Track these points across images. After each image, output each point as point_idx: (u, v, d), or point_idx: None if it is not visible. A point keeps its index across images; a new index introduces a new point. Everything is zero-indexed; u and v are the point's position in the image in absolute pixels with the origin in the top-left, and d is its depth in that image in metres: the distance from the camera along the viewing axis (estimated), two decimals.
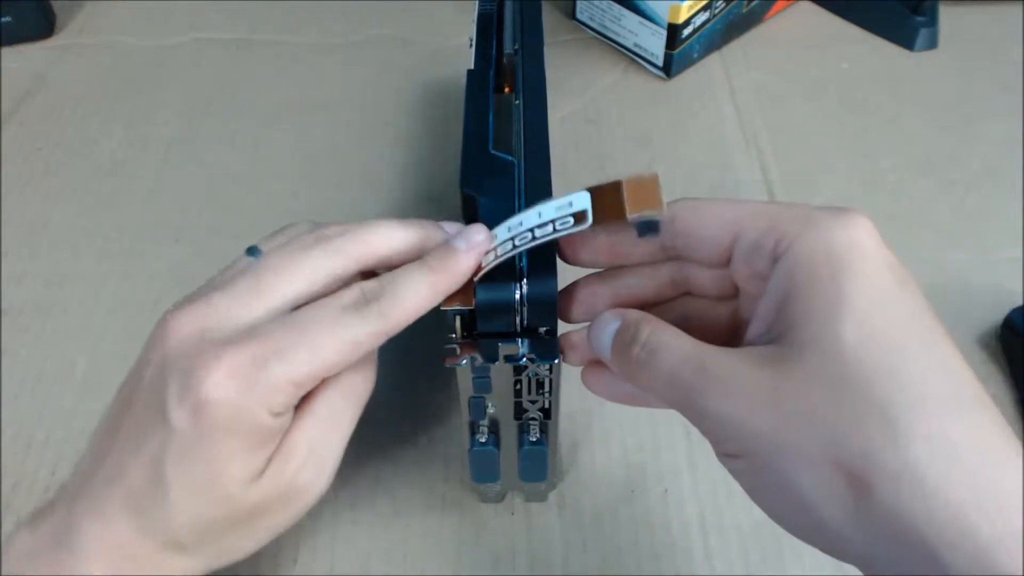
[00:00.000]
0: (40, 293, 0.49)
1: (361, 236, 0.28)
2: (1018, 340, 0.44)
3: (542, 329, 0.29)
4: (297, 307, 0.27)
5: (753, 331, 0.24)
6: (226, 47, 0.67)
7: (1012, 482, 0.19)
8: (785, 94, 0.63)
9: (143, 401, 0.26)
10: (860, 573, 0.37)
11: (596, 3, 0.66)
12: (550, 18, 0.70)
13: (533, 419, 0.33)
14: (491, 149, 0.33)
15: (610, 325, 0.27)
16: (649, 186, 0.26)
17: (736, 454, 0.23)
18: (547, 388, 0.31)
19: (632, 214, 0.25)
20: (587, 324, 0.30)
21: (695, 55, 0.65)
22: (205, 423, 0.25)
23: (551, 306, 0.28)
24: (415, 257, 0.28)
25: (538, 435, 0.34)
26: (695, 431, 0.42)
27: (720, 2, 0.63)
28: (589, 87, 0.64)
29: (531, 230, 0.27)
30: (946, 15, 0.68)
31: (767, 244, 0.23)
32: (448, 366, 0.29)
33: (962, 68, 0.65)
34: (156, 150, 0.58)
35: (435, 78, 0.61)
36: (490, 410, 0.32)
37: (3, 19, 0.65)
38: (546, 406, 0.32)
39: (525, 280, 0.28)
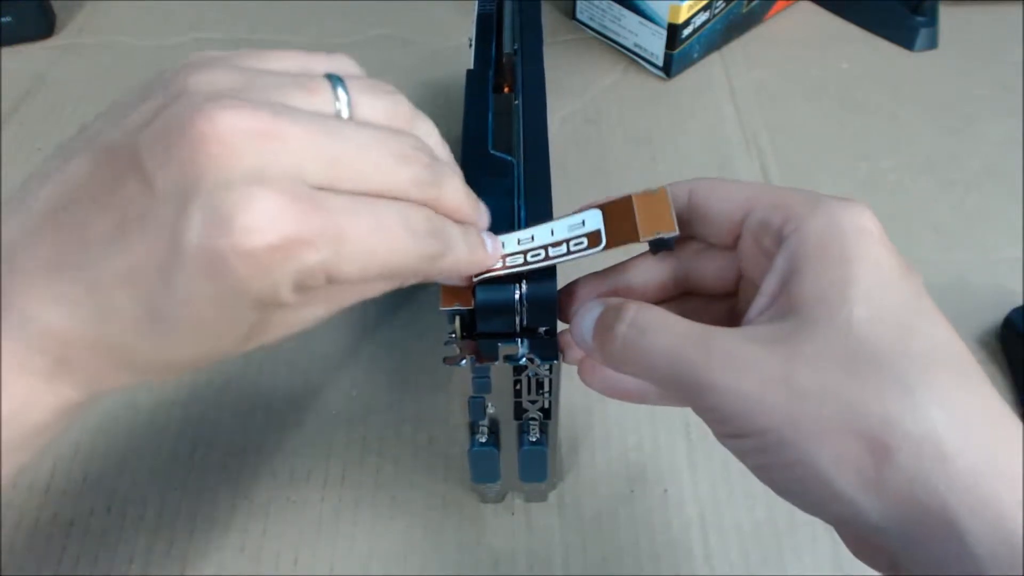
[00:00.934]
0: None
1: (446, 180, 0.25)
2: (1018, 340, 0.44)
3: (542, 329, 0.29)
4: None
5: (756, 307, 0.24)
6: (226, 47, 0.67)
7: (1018, 448, 0.20)
8: (785, 94, 0.63)
9: (143, 199, 0.21)
10: (860, 573, 0.37)
11: (596, 3, 0.66)
12: (550, 18, 0.70)
13: (533, 419, 0.33)
14: (490, 149, 0.33)
15: (591, 313, 0.26)
16: (659, 205, 0.27)
17: (744, 433, 0.22)
18: (547, 388, 0.31)
19: (645, 237, 0.26)
20: None
21: (695, 55, 0.65)
22: (222, 270, 0.20)
23: (551, 306, 0.28)
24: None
25: (538, 435, 0.34)
26: (695, 431, 0.43)
27: (720, 2, 0.63)
28: (589, 87, 0.64)
29: (544, 247, 0.27)
30: (946, 15, 0.68)
31: (776, 222, 0.24)
32: (447, 366, 0.29)
33: (962, 68, 0.65)
34: None
35: (435, 78, 0.61)
36: (490, 410, 0.32)
37: (3, 19, 0.65)
38: (546, 406, 0.32)
39: (524, 280, 0.28)
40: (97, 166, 0.21)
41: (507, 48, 0.40)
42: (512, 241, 0.28)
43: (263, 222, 0.20)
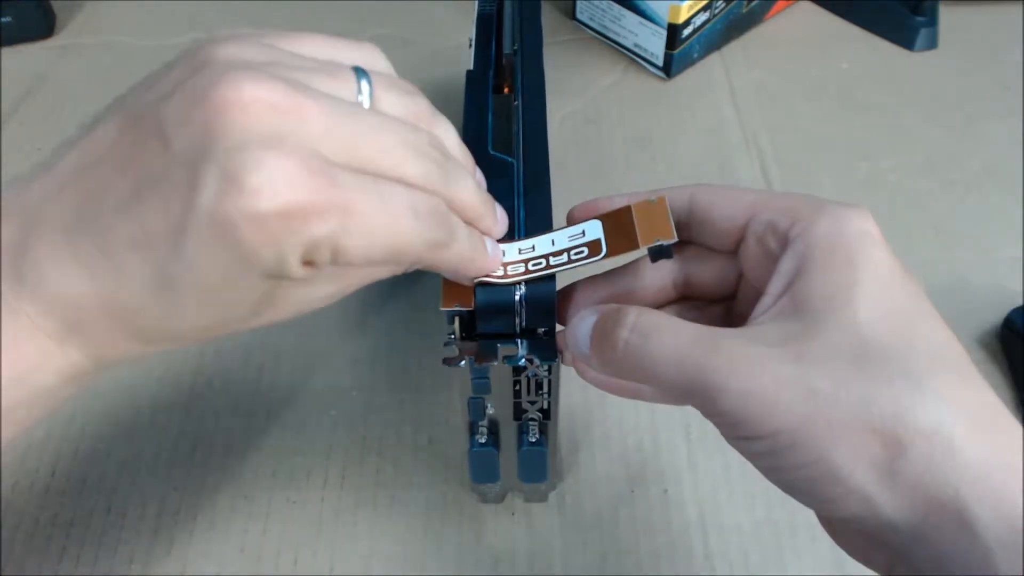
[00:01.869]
0: None
1: (457, 179, 0.25)
2: (1018, 340, 0.44)
3: (541, 330, 0.29)
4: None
5: (760, 307, 0.24)
6: None
7: (1019, 443, 0.21)
8: (785, 94, 0.63)
9: (160, 161, 0.21)
10: (859, 573, 0.37)
11: (596, 3, 0.66)
12: (550, 18, 0.70)
13: (532, 420, 0.33)
14: (490, 150, 0.33)
15: (587, 320, 0.26)
16: (658, 213, 0.27)
17: (758, 435, 0.22)
18: (546, 389, 0.31)
19: (645, 244, 0.26)
20: None
21: (695, 55, 0.65)
22: (231, 234, 0.20)
23: (550, 307, 0.28)
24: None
25: (537, 436, 0.34)
26: (695, 431, 0.43)
27: (720, 2, 0.63)
28: (589, 87, 0.64)
29: (545, 257, 0.28)
30: (946, 15, 0.68)
31: (783, 225, 0.25)
32: (448, 367, 0.29)
33: (962, 68, 0.65)
34: None
35: (435, 78, 0.61)
36: (489, 411, 0.32)
37: (3, 19, 0.65)
38: (545, 407, 0.32)
39: (524, 282, 0.28)
40: (121, 131, 0.22)
41: (507, 49, 0.40)
42: (513, 250, 0.28)
43: (274, 185, 0.20)
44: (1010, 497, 0.20)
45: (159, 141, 0.21)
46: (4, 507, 0.40)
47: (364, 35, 0.69)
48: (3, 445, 0.23)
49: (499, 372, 0.30)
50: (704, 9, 0.62)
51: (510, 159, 0.33)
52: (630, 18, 0.64)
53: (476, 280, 0.28)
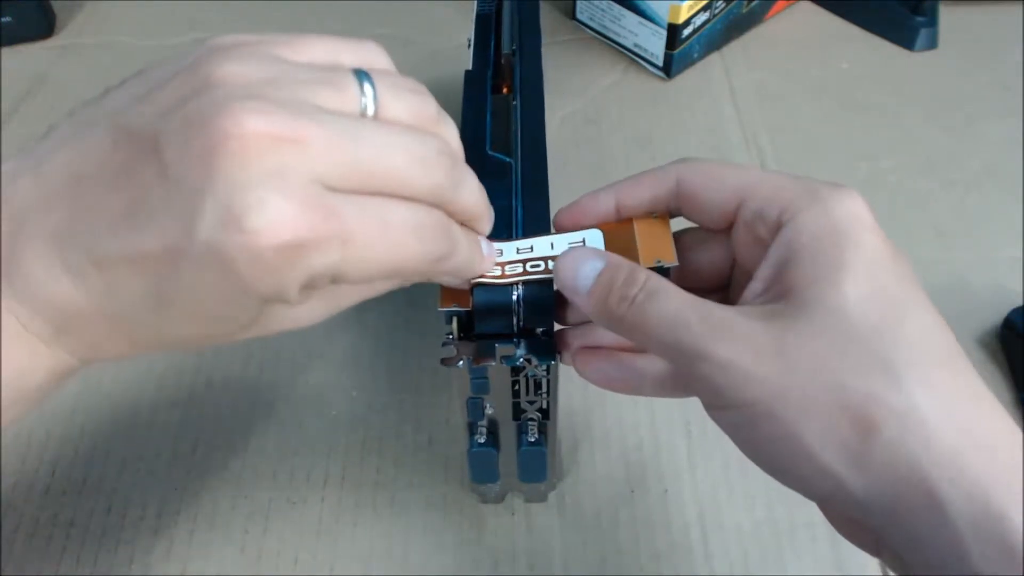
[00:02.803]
0: None
1: (463, 185, 0.25)
2: (1018, 340, 0.44)
3: (539, 330, 0.29)
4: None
5: (751, 291, 0.25)
6: None
7: (999, 428, 0.21)
8: (785, 94, 0.63)
9: (158, 186, 0.21)
10: (859, 573, 0.37)
11: (596, 3, 0.66)
12: (550, 18, 0.70)
13: (531, 420, 0.33)
14: (488, 150, 0.33)
15: (589, 263, 0.26)
16: (660, 233, 0.28)
17: (735, 404, 0.23)
18: (545, 389, 0.31)
19: (646, 264, 0.26)
20: (583, 323, 0.30)
21: (695, 55, 0.65)
22: (229, 267, 0.20)
23: (548, 307, 0.28)
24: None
25: (536, 436, 0.34)
26: (695, 431, 0.43)
27: (720, 2, 0.63)
28: (589, 87, 0.64)
29: (544, 259, 0.28)
30: (946, 15, 0.68)
31: (772, 213, 0.25)
32: (448, 368, 0.29)
33: (962, 68, 0.65)
34: None
35: (435, 78, 0.61)
36: (488, 411, 0.32)
37: (3, 19, 0.65)
38: (544, 406, 0.32)
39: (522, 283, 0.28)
40: (116, 144, 0.21)
41: (506, 49, 0.40)
42: (511, 250, 0.28)
43: (273, 225, 0.20)
44: (983, 482, 0.20)
45: (156, 164, 0.20)
46: (4, 507, 0.40)
47: (364, 35, 0.68)
48: None
49: (497, 372, 0.30)
50: (704, 9, 0.62)
51: (508, 159, 0.33)
52: (630, 18, 0.64)
53: (473, 280, 0.28)
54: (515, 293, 0.28)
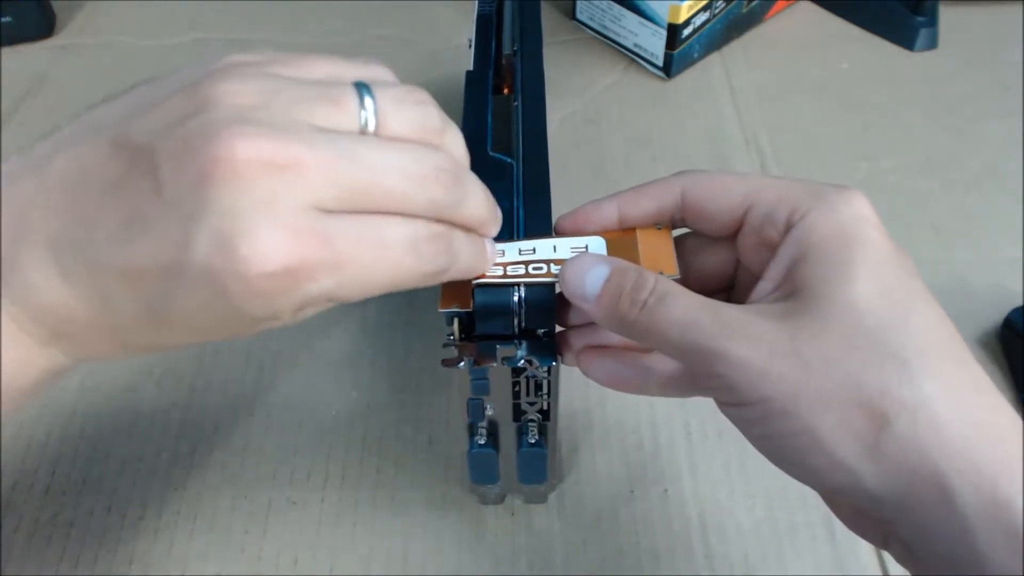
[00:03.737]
0: None
1: (467, 198, 0.25)
2: (1018, 340, 0.44)
3: (540, 331, 0.29)
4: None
5: (760, 290, 0.25)
6: (226, 47, 0.67)
7: (1004, 419, 0.22)
8: (785, 94, 0.63)
9: (152, 203, 0.21)
10: (859, 573, 0.37)
11: (596, 3, 0.66)
12: (550, 18, 0.70)
13: (532, 421, 0.33)
14: (489, 151, 0.33)
15: (596, 269, 0.26)
16: (663, 245, 0.28)
17: (749, 402, 0.23)
18: (545, 390, 0.31)
19: None
20: (584, 325, 0.30)
21: (695, 55, 0.65)
22: (222, 291, 0.20)
23: (549, 309, 0.28)
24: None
25: (537, 437, 0.34)
26: (695, 431, 0.43)
27: (720, 2, 0.63)
28: (589, 87, 0.64)
29: (547, 262, 0.28)
30: (946, 15, 0.68)
31: (781, 215, 0.25)
32: (446, 368, 0.29)
33: (962, 68, 0.65)
34: None
35: (435, 78, 0.61)
36: (489, 412, 0.32)
37: (3, 19, 0.65)
38: (545, 408, 0.32)
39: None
40: (114, 155, 0.22)
41: (507, 49, 0.40)
42: (513, 251, 0.28)
43: (265, 254, 0.20)
44: (991, 471, 0.21)
45: (152, 181, 0.21)
46: (4, 507, 0.40)
47: (364, 35, 0.69)
48: None
49: (498, 373, 0.30)
50: (704, 9, 0.62)
51: (510, 160, 0.33)
52: (630, 18, 0.64)
53: (475, 280, 0.28)
54: (516, 294, 0.28)
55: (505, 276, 0.28)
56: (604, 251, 0.28)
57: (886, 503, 0.22)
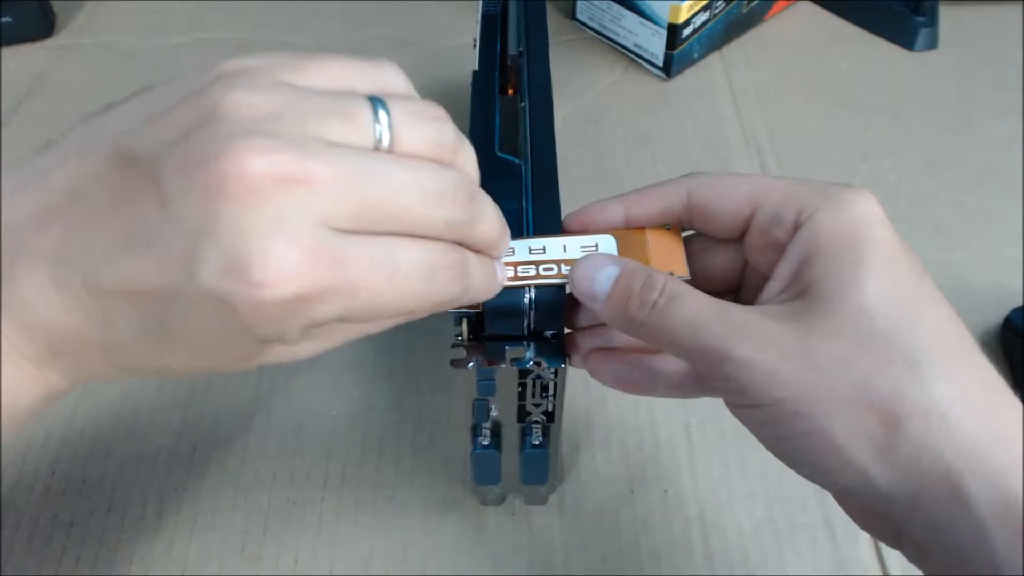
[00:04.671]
0: None
1: (481, 219, 0.24)
2: (1018, 340, 0.44)
3: (549, 333, 0.29)
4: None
5: (769, 290, 0.25)
6: (226, 47, 0.67)
7: (1016, 417, 0.22)
8: (785, 94, 0.63)
9: (156, 218, 0.20)
10: (859, 573, 0.37)
11: (596, 3, 0.66)
12: (550, 18, 0.70)
13: (536, 422, 0.33)
14: (497, 151, 0.33)
15: (606, 269, 0.26)
16: (673, 245, 0.28)
17: (761, 403, 0.23)
18: (552, 392, 0.31)
19: None
20: (592, 327, 0.30)
21: (695, 55, 0.65)
22: (230, 313, 0.20)
23: (558, 310, 0.28)
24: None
25: (540, 438, 0.34)
26: (695, 431, 0.43)
27: (720, 2, 0.63)
28: (589, 87, 0.64)
29: (557, 263, 0.27)
30: (946, 15, 0.68)
31: (788, 215, 0.25)
32: (455, 369, 0.29)
33: (962, 68, 0.65)
34: None
35: (436, 79, 0.61)
36: (493, 413, 0.32)
37: (3, 19, 0.65)
38: (550, 409, 0.32)
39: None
40: (116, 166, 0.21)
41: (512, 50, 0.40)
42: (523, 249, 0.28)
43: (277, 276, 0.19)
44: (1004, 470, 0.21)
45: (156, 194, 0.20)
46: (4, 507, 0.40)
47: (364, 35, 0.69)
48: None
49: (505, 374, 0.30)
50: (704, 9, 0.62)
51: (517, 160, 0.33)
52: (630, 18, 0.64)
53: None
54: (526, 296, 0.28)
55: (516, 278, 0.27)
56: (615, 250, 0.28)
57: (899, 503, 0.22)
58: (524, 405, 0.32)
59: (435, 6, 0.71)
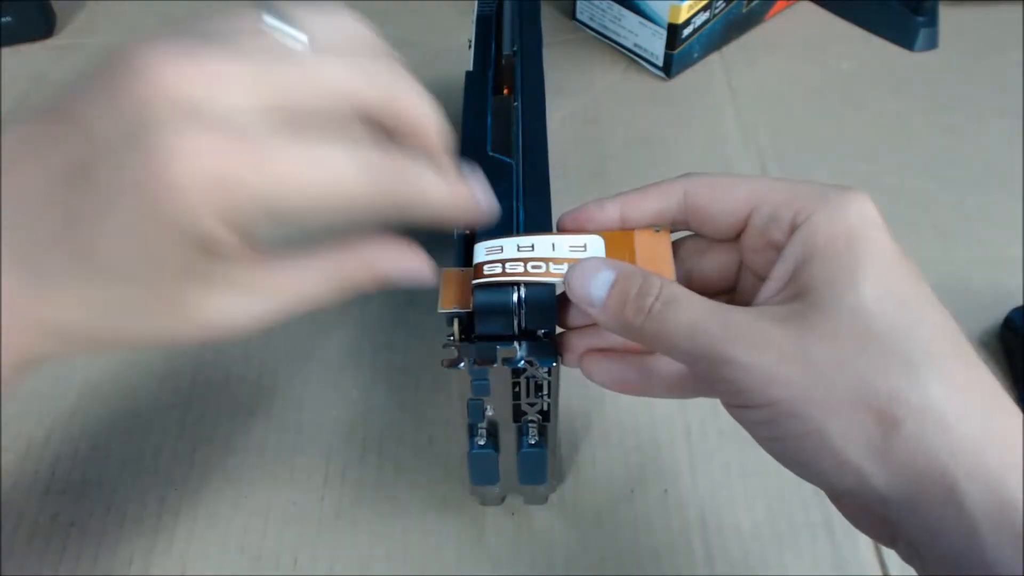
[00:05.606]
0: None
1: (403, 84, 0.25)
2: (1018, 340, 0.44)
3: (541, 332, 0.29)
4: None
5: (766, 291, 0.25)
6: None
7: (1012, 420, 0.22)
8: (785, 94, 0.63)
9: (88, 148, 0.21)
10: (859, 573, 0.37)
11: (596, 3, 0.66)
12: (550, 18, 0.70)
13: (532, 422, 0.33)
14: (489, 151, 0.33)
15: (602, 274, 0.26)
16: (661, 246, 0.28)
17: (757, 404, 0.23)
18: (546, 391, 0.31)
19: None
20: (585, 326, 0.30)
21: (695, 55, 0.65)
22: (151, 206, 0.20)
23: (550, 309, 0.28)
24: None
25: (537, 438, 0.34)
26: (695, 431, 0.43)
27: (720, 2, 0.63)
28: (589, 87, 0.64)
29: (546, 261, 0.27)
30: (946, 15, 0.68)
31: (785, 216, 0.25)
32: (446, 368, 0.29)
33: (962, 68, 0.65)
34: None
35: (436, 79, 0.61)
36: (489, 412, 0.32)
37: (3, 19, 0.65)
38: (545, 408, 0.32)
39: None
40: (39, 124, 0.22)
41: (506, 50, 0.40)
42: (512, 246, 0.28)
43: (192, 161, 0.20)
44: (999, 473, 0.21)
45: (82, 133, 0.21)
46: (4, 507, 0.40)
47: None
48: None
49: (498, 374, 0.30)
50: (704, 9, 0.62)
51: (509, 160, 0.33)
52: (630, 18, 0.64)
53: (474, 280, 0.28)
54: (516, 294, 0.28)
55: (504, 274, 0.27)
56: (603, 251, 0.28)
57: (894, 504, 0.22)
58: (519, 405, 0.32)
59: (435, 6, 0.71)
